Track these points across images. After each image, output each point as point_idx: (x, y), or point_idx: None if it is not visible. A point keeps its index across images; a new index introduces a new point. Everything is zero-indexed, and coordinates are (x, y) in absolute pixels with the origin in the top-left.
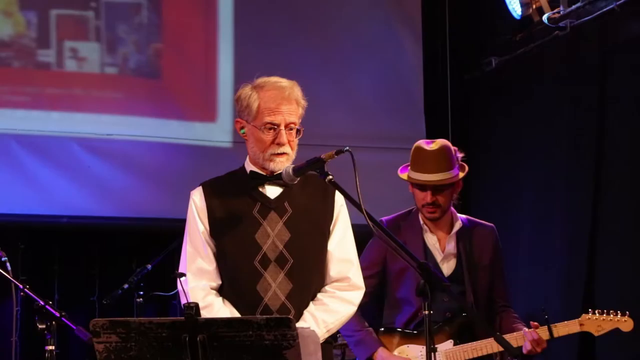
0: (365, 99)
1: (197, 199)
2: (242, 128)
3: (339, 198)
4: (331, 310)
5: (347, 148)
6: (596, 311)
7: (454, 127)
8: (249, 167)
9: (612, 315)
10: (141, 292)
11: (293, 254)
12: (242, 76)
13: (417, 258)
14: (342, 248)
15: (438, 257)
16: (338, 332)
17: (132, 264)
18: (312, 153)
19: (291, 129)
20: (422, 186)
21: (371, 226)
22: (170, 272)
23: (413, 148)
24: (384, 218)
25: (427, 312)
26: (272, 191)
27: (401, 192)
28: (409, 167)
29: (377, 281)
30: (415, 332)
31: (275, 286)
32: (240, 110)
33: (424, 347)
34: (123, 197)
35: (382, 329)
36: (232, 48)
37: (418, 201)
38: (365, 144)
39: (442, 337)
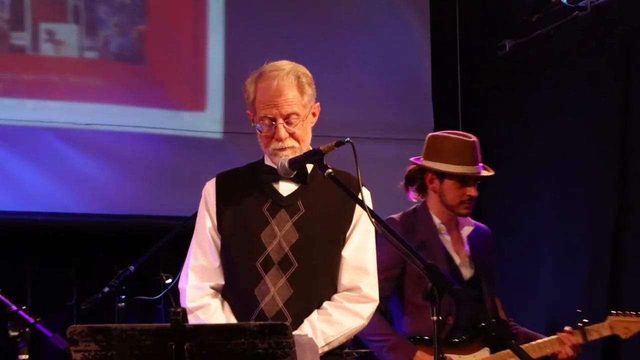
0: (367, 85)
1: (208, 191)
2: (252, 121)
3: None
4: (334, 321)
5: (348, 139)
6: (623, 312)
7: (464, 116)
8: (266, 160)
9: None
10: (123, 296)
11: (298, 258)
12: (234, 61)
13: (423, 259)
14: (357, 255)
15: (457, 259)
16: (348, 343)
17: (113, 265)
18: (314, 144)
19: (291, 121)
20: (465, 180)
21: (374, 224)
22: (155, 274)
23: (443, 138)
24: (394, 216)
25: (435, 318)
26: (287, 188)
27: None
28: (436, 159)
29: (396, 284)
30: (456, 340)
31: (274, 291)
32: (246, 102)
33: (467, 356)
34: (103, 193)
35: (411, 339)
36: (222, 30)
37: (455, 197)
38: (368, 134)
39: (475, 346)
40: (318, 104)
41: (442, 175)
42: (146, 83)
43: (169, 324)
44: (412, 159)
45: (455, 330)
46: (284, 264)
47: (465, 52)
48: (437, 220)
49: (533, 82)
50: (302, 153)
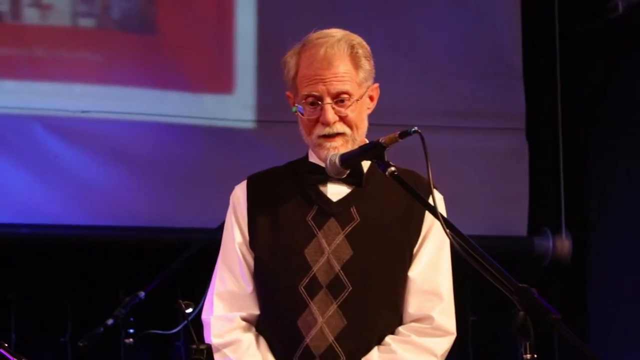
0: (439, 61)
1: (238, 197)
2: (292, 105)
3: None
4: None
5: (415, 128)
6: None
7: (565, 98)
8: (311, 156)
9: None
10: (131, 330)
11: (352, 280)
12: (269, 30)
13: (515, 281)
14: (428, 276)
15: None
16: None
17: (118, 290)
18: (371, 135)
19: (342, 101)
20: None
21: (449, 236)
22: (171, 301)
23: None
24: None
25: (529, 356)
26: (336, 191)
27: (493, 187)
28: None
29: None
30: None
31: (322, 322)
32: (285, 80)
33: None
34: (104, 199)
35: None
36: None
37: None
38: (440, 122)
39: None
40: (377, 85)
41: None
42: (158, 59)
43: None
44: None
45: None
46: (335, 288)
47: (566, 15)
48: None
49: None
50: (356, 146)
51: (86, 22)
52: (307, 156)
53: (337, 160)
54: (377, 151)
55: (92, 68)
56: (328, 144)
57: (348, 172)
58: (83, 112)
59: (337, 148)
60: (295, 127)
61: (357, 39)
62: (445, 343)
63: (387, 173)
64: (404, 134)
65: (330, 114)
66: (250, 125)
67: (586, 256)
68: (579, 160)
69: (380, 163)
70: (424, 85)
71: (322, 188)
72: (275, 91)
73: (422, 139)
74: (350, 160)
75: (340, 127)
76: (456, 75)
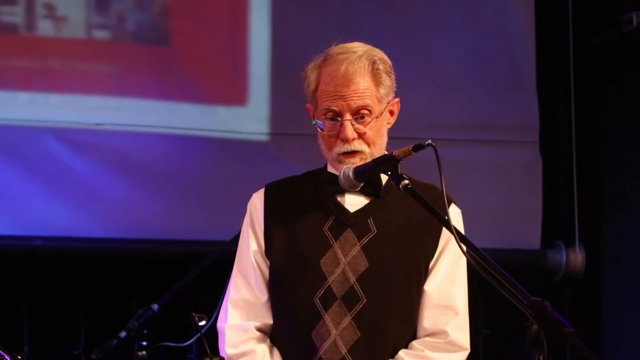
0: (453, 74)
1: (255, 205)
2: (312, 117)
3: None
4: None
5: (429, 141)
6: None
7: (579, 111)
8: (329, 166)
9: None
10: (144, 343)
11: (367, 291)
12: (284, 42)
13: (528, 294)
14: (444, 290)
15: None
16: None
17: (131, 303)
18: (386, 148)
19: (362, 117)
20: None
21: (463, 250)
22: (184, 314)
23: None
24: None
25: None
26: (355, 202)
27: (506, 200)
28: None
29: None
30: None
31: (336, 334)
32: (306, 92)
33: None
34: (118, 211)
35: None
36: (269, 2)
37: None
38: (454, 135)
39: None
40: (397, 99)
41: None
42: (172, 71)
43: None
44: None
45: None
46: (349, 299)
47: (580, 28)
48: None
49: None
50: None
51: (101, 34)
52: (326, 166)
53: (350, 173)
54: (391, 164)
55: (106, 80)
56: (347, 161)
57: (361, 184)
58: (97, 124)
59: (355, 164)
60: (309, 140)
61: (378, 54)
62: (458, 358)
63: (400, 186)
64: (417, 147)
65: (350, 131)
66: (264, 137)
67: (599, 269)
68: (593, 173)
69: (394, 176)
70: (437, 98)
71: (340, 198)
72: (289, 104)
73: (436, 151)
74: (363, 173)
75: (358, 145)
76: (470, 88)
